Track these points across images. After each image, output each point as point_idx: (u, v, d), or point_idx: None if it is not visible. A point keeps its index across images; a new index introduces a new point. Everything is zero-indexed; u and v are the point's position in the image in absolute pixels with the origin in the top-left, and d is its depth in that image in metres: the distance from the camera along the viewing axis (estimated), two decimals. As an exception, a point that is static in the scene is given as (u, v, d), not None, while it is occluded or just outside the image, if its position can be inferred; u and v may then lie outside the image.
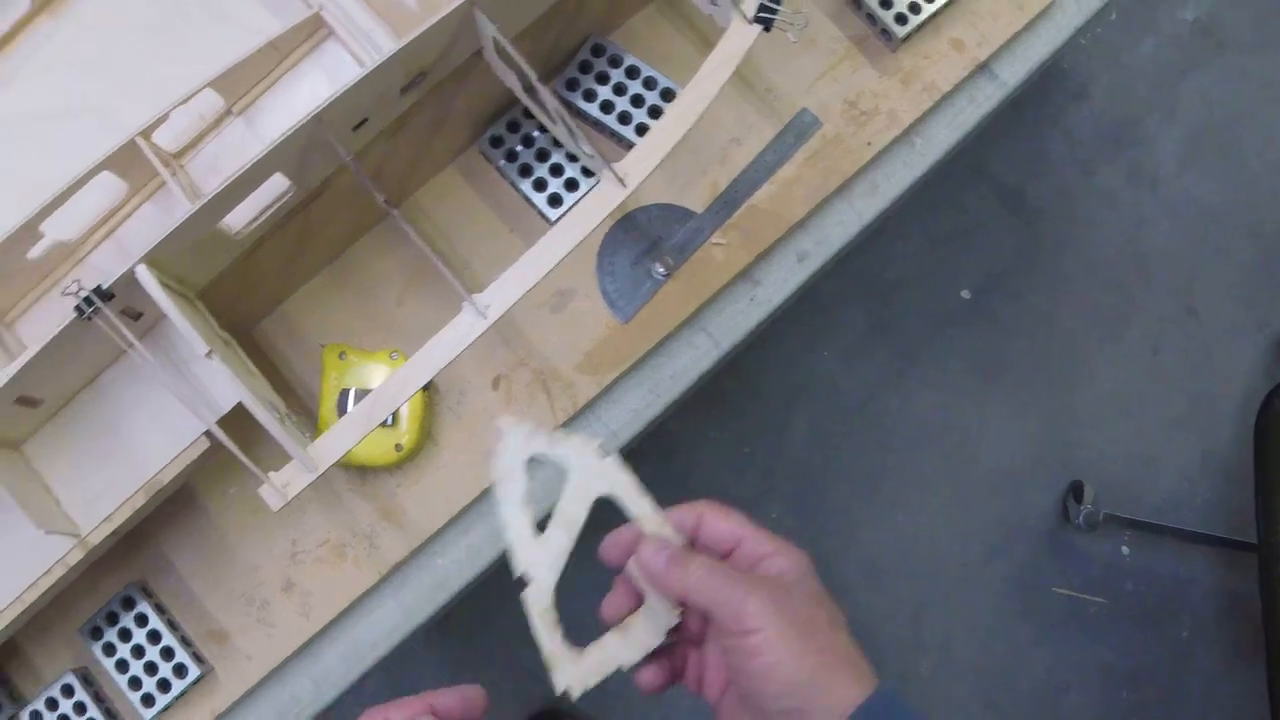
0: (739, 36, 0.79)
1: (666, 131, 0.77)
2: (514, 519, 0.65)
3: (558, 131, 0.85)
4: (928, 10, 0.99)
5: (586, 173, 0.95)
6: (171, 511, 0.91)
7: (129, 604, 0.91)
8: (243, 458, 0.71)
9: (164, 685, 0.90)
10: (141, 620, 0.91)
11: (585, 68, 0.96)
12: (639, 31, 1.00)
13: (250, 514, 0.93)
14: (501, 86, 0.86)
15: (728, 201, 0.96)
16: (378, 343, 0.93)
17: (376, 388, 0.74)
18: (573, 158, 0.95)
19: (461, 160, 0.97)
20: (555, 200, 0.94)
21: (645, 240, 0.95)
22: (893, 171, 1.02)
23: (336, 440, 0.73)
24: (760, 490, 1.98)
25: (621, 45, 0.96)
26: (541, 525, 0.65)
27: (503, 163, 0.95)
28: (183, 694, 0.90)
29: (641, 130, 0.96)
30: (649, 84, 0.96)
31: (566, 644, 0.63)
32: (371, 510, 0.93)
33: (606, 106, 0.95)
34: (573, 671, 0.64)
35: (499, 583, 0.85)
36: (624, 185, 0.76)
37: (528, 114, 0.95)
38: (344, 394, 0.90)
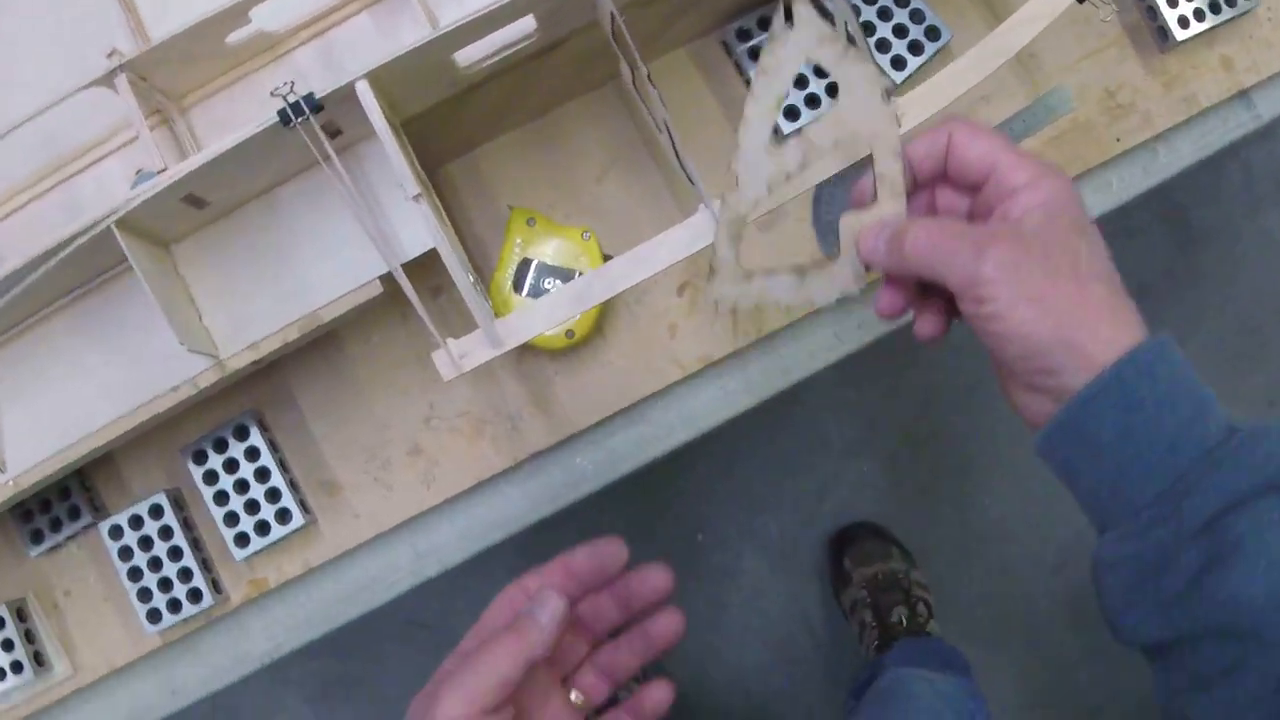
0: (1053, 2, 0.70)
1: (949, 82, 0.68)
2: (757, 118, 0.59)
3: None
4: (1212, 20, 0.92)
5: (830, 91, 0.86)
6: (306, 345, 0.84)
7: (242, 433, 0.85)
8: (425, 314, 0.64)
9: (263, 528, 0.84)
10: (252, 454, 0.85)
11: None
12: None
13: (391, 366, 0.87)
14: None
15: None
16: (567, 216, 0.86)
17: (590, 273, 0.66)
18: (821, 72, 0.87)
19: (697, 45, 0.88)
20: (792, 113, 0.86)
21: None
22: (1130, 175, 0.94)
23: (531, 319, 0.66)
24: (859, 440, 1.92)
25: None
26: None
27: (745, 59, 0.86)
28: (281, 540, 0.84)
29: (898, 63, 0.88)
30: (916, 16, 0.87)
31: (740, 265, 0.61)
32: (522, 393, 0.86)
33: (866, 28, 0.86)
34: (731, 288, 0.61)
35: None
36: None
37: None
38: (525, 264, 0.82)
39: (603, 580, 0.64)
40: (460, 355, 0.65)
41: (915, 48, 0.87)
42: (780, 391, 0.88)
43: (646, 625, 0.65)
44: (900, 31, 0.87)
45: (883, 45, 0.87)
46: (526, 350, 0.86)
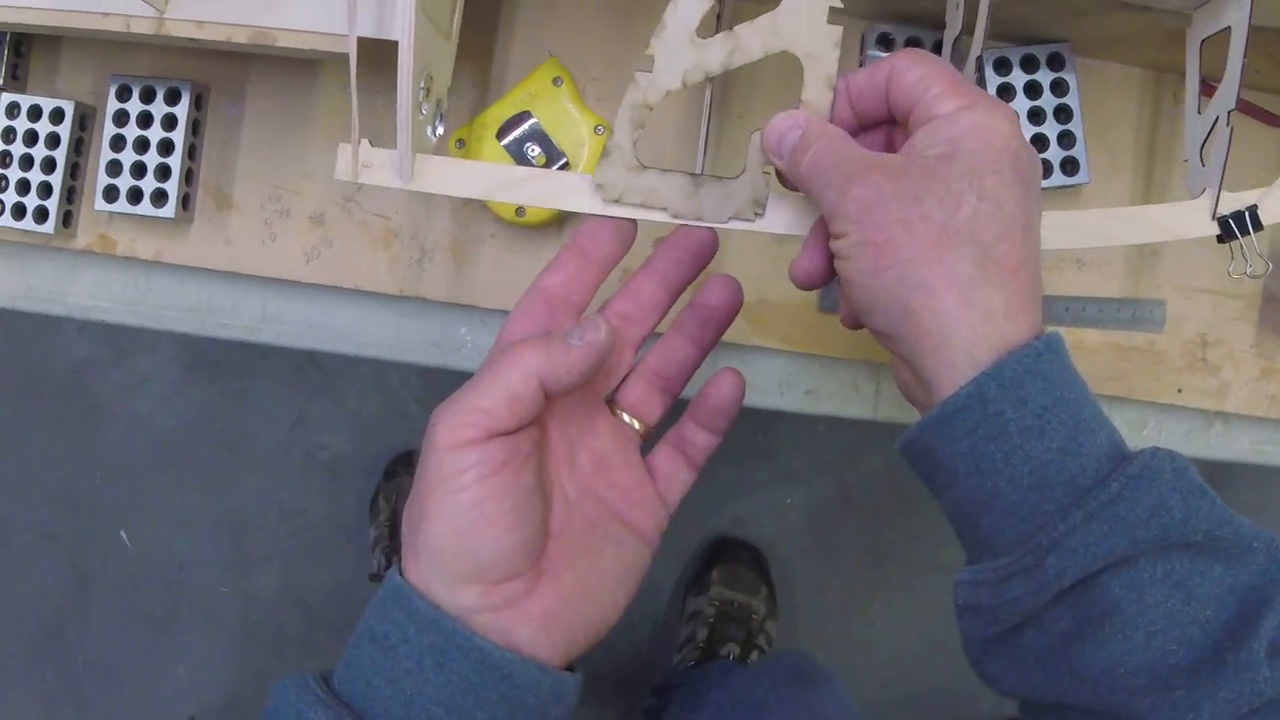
0: (1188, 219, 0.59)
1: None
2: (687, 5, 0.52)
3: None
4: None
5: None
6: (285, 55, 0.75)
7: (173, 97, 0.76)
8: (355, 104, 0.57)
9: (135, 195, 0.76)
10: (170, 122, 0.76)
11: (1028, 64, 0.74)
12: (1108, 74, 0.78)
13: (348, 127, 0.78)
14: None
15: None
16: (600, 100, 0.76)
17: (542, 172, 0.58)
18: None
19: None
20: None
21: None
22: (1170, 428, 0.83)
23: (446, 176, 0.58)
24: (799, 471, 1.83)
25: (1081, 78, 0.75)
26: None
27: (870, 58, 0.74)
28: (145, 217, 0.77)
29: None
30: (1064, 139, 0.74)
31: (635, 154, 0.55)
32: (450, 234, 0.77)
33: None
34: (618, 177, 0.55)
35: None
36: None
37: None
38: (522, 116, 0.72)
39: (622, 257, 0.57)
40: (364, 163, 0.58)
41: (1044, 168, 0.74)
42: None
43: (695, 300, 0.57)
44: (1039, 143, 0.74)
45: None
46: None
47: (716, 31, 0.53)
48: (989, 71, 0.73)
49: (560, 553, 0.51)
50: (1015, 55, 0.74)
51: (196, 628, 1.86)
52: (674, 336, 0.57)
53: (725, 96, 0.76)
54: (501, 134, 0.72)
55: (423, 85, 0.59)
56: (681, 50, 0.53)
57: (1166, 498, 0.44)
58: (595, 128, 0.72)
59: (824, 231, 0.51)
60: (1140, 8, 0.65)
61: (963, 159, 0.46)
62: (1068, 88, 0.74)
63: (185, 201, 0.77)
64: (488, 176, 0.57)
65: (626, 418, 0.57)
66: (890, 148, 0.53)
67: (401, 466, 1.75)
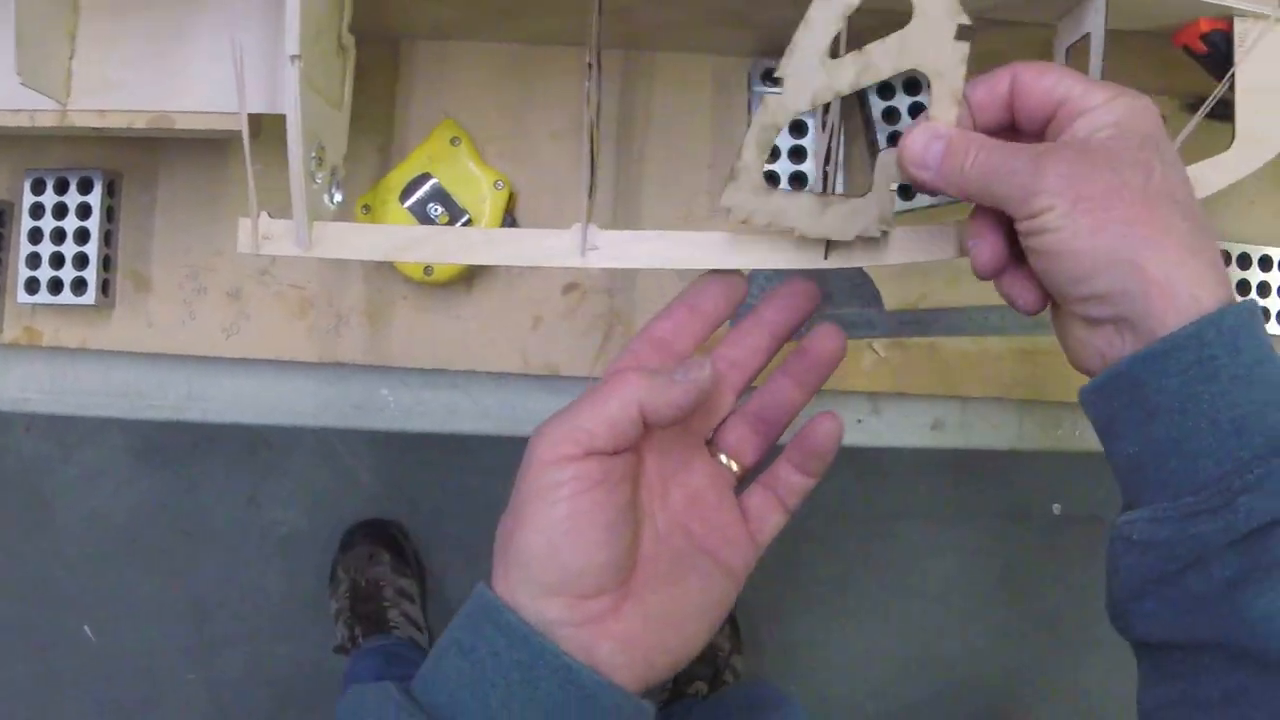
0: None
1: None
2: (821, 22, 0.52)
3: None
4: None
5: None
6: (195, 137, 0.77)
7: (86, 186, 0.78)
8: (252, 178, 0.58)
9: (55, 286, 0.77)
10: (84, 211, 0.77)
11: (910, 87, 0.77)
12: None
13: (264, 193, 0.79)
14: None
15: (919, 322, 0.78)
16: (500, 155, 0.78)
17: (434, 229, 0.59)
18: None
19: (729, 62, 0.79)
20: (771, 178, 0.76)
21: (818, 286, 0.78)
22: (1085, 426, 0.85)
23: (346, 243, 0.60)
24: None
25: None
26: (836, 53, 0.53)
27: (759, 94, 0.76)
28: (67, 306, 0.78)
29: (903, 192, 0.77)
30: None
31: (762, 173, 0.55)
32: (364, 298, 0.79)
33: (890, 115, 0.77)
34: (748, 198, 0.55)
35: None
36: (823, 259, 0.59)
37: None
38: (423, 178, 0.74)
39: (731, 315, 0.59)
40: (265, 235, 0.59)
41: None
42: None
43: (804, 345, 0.58)
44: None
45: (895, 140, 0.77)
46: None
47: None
48: (872, 97, 0.76)
49: (647, 578, 0.52)
50: (898, 79, 0.76)
51: (168, 716, 1.85)
52: (780, 379, 0.59)
53: (621, 137, 0.78)
54: (404, 196, 0.74)
55: (314, 155, 0.61)
56: (812, 71, 0.53)
57: None
58: (495, 183, 0.74)
59: (991, 222, 0.54)
60: (1008, 23, 0.68)
61: (1135, 135, 0.49)
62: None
63: (105, 287, 0.78)
64: (383, 239, 0.59)
65: (724, 458, 0.58)
66: None
67: (358, 537, 1.76)
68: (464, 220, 0.74)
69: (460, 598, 1.82)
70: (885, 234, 0.57)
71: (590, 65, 0.57)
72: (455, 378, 0.80)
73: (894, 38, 0.53)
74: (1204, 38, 0.62)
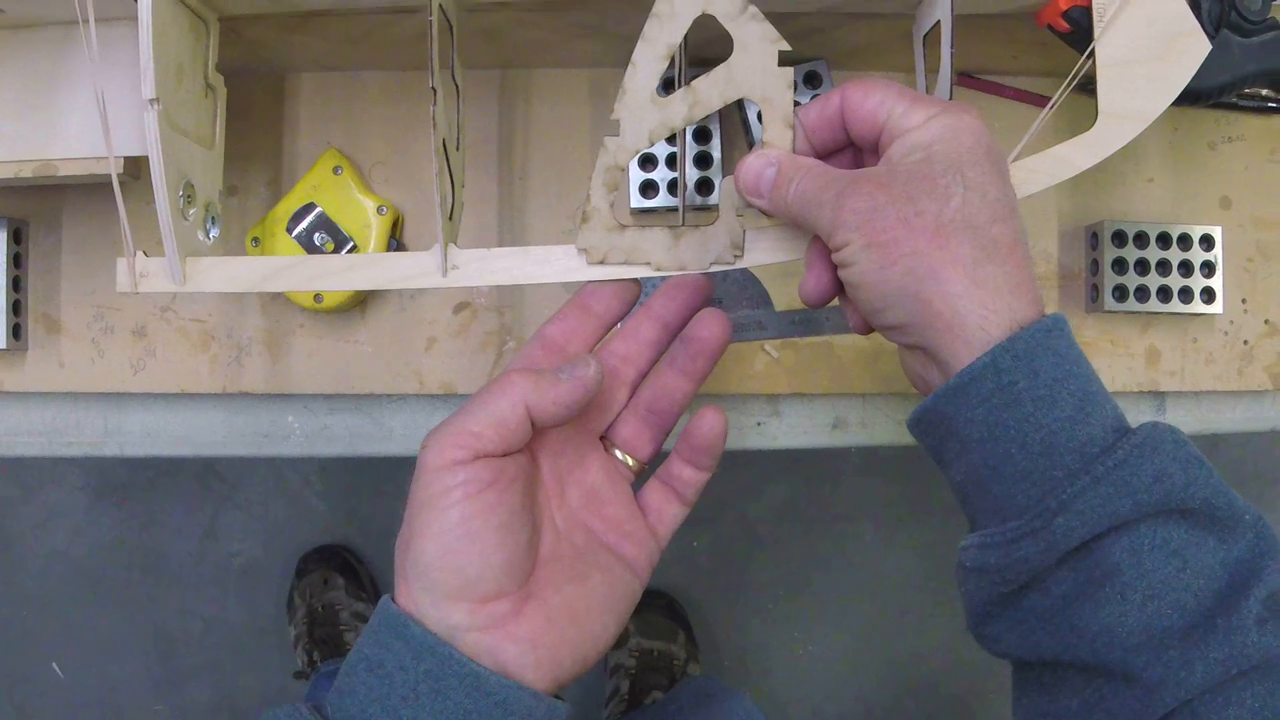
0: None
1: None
2: (645, 64, 0.55)
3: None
4: (1156, 306, 0.81)
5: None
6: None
7: (12, 235, 0.79)
8: (125, 218, 0.60)
9: (-31, 331, 0.79)
10: (8, 257, 0.79)
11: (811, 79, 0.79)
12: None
13: (152, 230, 0.81)
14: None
15: (810, 321, 0.80)
16: (386, 182, 0.79)
17: (298, 259, 0.61)
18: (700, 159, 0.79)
19: (604, 73, 0.81)
20: (648, 188, 0.78)
21: (704, 289, 0.79)
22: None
23: (218, 276, 0.62)
24: (699, 515, 1.86)
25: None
26: (668, 89, 0.56)
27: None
28: (-22, 351, 0.80)
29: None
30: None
31: (613, 214, 0.57)
32: (262, 329, 0.81)
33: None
34: (599, 239, 0.58)
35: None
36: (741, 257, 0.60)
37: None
38: (308, 209, 0.76)
39: (625, 314, 0.60)
40: (141, 273, 0.61)
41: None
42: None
43: (686, 334, 0.60)
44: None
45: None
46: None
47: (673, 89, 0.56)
48: (748, 102, 0.77)
49: (548, 578, 0.52)
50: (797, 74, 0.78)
51: (138, 751, 1.88)
52: (665, 370, 0.60)
53: (502, 155, 0.80)
54: (291, 227, 0.75)
55: (182, 193, 0.62)
56: (645, 111, 0.55)
57: (1167, 465, 0.47)
58: (378, 208, 0.76)
59: (821, 250, 0.54)
60: (868, 15, 0.69)
61: (942, 158, 0.50)
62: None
63: (16, 331, 0.80)
64: (248, 270, 0.61)
65: (619, 454, 0.60)
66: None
67: (311, 563, 1.77)
68: (349, 246, 0.75)
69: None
70: (738, 258, 0.58)
71: (434, 90, 0.58)
72: (358, 401, 0.82)
73: (719, 70, 0.55)
74: (1065, 15, 0.62)
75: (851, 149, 0.57)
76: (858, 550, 1.90)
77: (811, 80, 0.78)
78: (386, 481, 1.84)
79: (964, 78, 0.81)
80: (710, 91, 0.55)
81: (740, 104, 0.78)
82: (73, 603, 1.85)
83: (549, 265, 0.60)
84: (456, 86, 0.66)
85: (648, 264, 0.58)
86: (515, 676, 0.49)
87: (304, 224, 0.76)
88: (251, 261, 0.61)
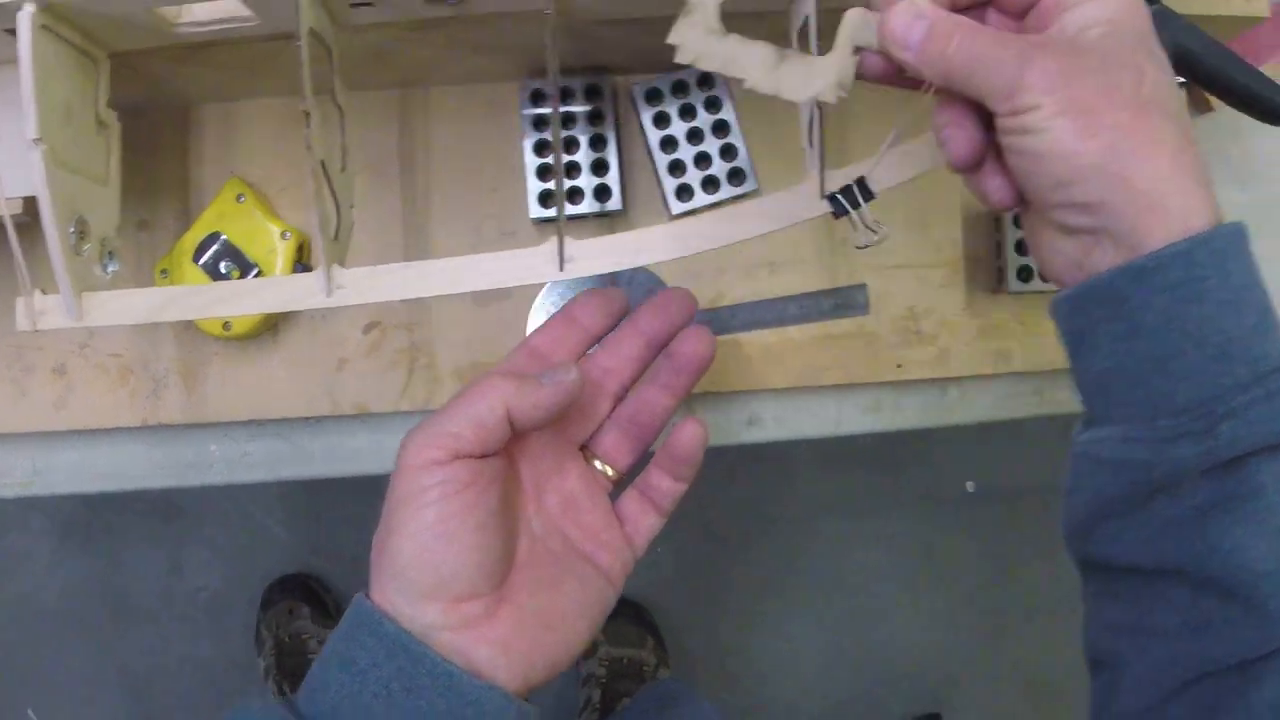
0: (804, 202, 0.61)
1: (655, 244, 0.61)
2: None
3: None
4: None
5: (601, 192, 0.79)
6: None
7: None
8: (20, 256, 0.61)
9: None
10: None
11: (678, 89, 0.79)
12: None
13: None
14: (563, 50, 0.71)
15: (718, 320, 0.81)
16: (293, 205, 0.80)
17: (193, 288, 0.61)
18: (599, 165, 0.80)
19: (501, 89, 0.81)
20: (544, 198, 0.79)
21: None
22: (904, 404, 0.87)
23: (113, 309, 0.62)
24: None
25: (734, 91, 0.80)
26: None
27: (527, 124, 0.79)
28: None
29: (683, 193, 0.80)
30: (727, 152, 0.80)
31: (718, 13, 0.52)
32: (177, 359, 0.81)
33: (668, 144, 0.79)
34: (696, 38, 0.52)
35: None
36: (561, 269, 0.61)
37: (590, 92, 0.79)
38: (213, 238, 0.77)
39: (611, 327, 0.60)
40: (40, 311, 0.62)
41: (710, 184, 0.80)
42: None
43: (671, 349, 0.60)
44: (702, 161, 0.79)
45: (675, 168, 0.80)
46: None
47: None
48: (640, 103, 0.79)
49: (523, 582, 0.53)
50: (665, 83, 0.79)
51: (117, 789, 1.88)
52: (648, 386, 0.60)
53: (404, 173, 0.81)
54: (197, 256, 0.76)
55: (74, 230, 0.63)
56: None
57: None
58: (282, 234, 0.77)
59: (969, 111, 0.50)
60: (754, 14, 0.70)
61: (1128, 36, 0.47)
62: (721, 104, 0.79)
63: (-66, 376, 0.81)
64: (141, 302, 0.61)
65: (598, 464, 0.60)
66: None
67: (275, 594, 1.78)
68: (254, 272, 0.76)
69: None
70: (841, 99, 0.53)
71: (306, 114, 0.59)
72: (277, 426, 0.83)
73: None
74: None
75: (982, 11, 0.53)
76: (820, 545, 1.90)
77: (705, 83, 0.79)
78: (348, 506, 1.84)
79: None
80: None
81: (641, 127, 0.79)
82: (44, 646, 1.85)
83: (429, 280, 0.60)
84: (339, 108, 0.67)
85: (743, 78, 0.52)
86: (487, 678, 0.49)
87: (209, 253, 0.76)
88: (144, 293, 0.62)
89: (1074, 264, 0.50)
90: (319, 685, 0.49)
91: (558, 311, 0.60)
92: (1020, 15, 0.51)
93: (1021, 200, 0.51)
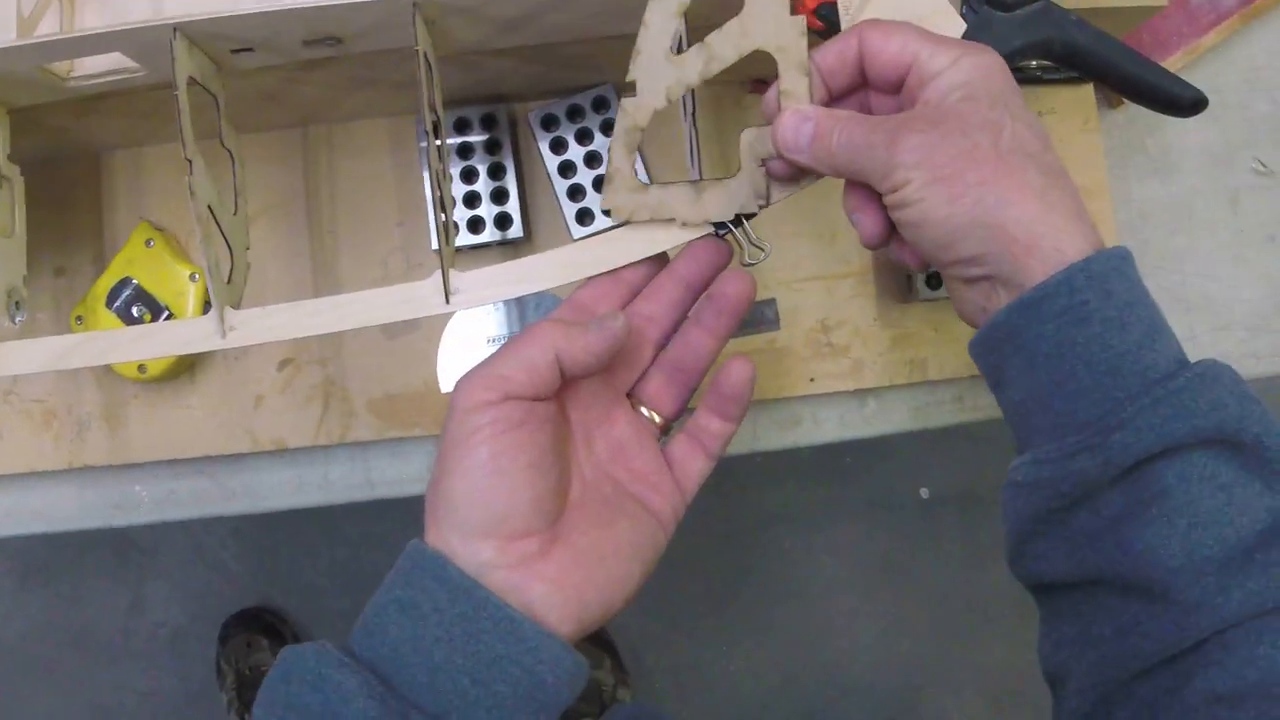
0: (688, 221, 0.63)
1: (543, 271, 0.62)
2: (658, 23, 0.55)
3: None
4: None
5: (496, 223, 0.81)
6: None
7: None
8: None
9: None
10: None
11: (574, 114, 0.81)
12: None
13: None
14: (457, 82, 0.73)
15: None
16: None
17: (84, 336, 0.62)
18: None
19: (398, 121, 0.83)
20: (475, 224, 0.81)
21: (521, 324, 0.81)
22: (823, 417, 0.87)
23: (18, 358, 0.63)
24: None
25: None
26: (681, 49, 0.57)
27: (422, 156, 0.81)
28: None
29: (584, 217, 0.81)
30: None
31: (634, 173, 0.58)
32: (99, 402, 0.83)
33: (566, 169, 0.81)
34: (626, 198, 0.58)
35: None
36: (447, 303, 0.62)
37: (486, 121, 0.81)
38: (125, 283, 0.78)
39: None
40: (-57, 359, 0.63)
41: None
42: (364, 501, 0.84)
43: (711, 291, 0.60)
44: (600, 184, 0.80)
45: (575, 193, 0.82)
46: (113, 364, 0.82)
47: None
48: (536, 129, 0.81)
49: (575, 521, 0.54)
50: (560, 108, 0.81)
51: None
52: (691, 328, 0.60)
53: (311, 211, 0.83)
54: (110, 302, 0.78)
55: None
56: (660, 70, 0.56)
57: (1224, 397, 0.48)
58: (191, 276, 0.78)
59: (867, 196, 0.55)
60: (628, 36, 0.71)
61: (984, 93, 0.51)
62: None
63: None
64: (39, 351, 0.62)
65: (645, 410, 0.60)
66: (868, 111, 0.57)
67: (233, 629, 1.79)
68: (165, 315, 0.78)
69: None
70: (762, 206, 0.58)
71: (188, 160, 0.61)
72: (199, 464, 0.84)
73: (732, 24, 0.55)
74: (816, 13, 0.63)
75: (863, 92, 0.57)
76: (776, 557, 1.91)
77: (600, 106, 0.80)
78: (305, 538, 1.86)
79: (757, 84, 0.84)
80: (724, 46, 0.56)
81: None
82: (8, 687, 1.86)
83: (321, 317, 0.61)
84: (230, 152, 0.68)
85: (673, 219, 0.58)
86: (540, 616, 0.49)
87: (121, 298, 0.78)
88: (46, 341, 0.63)
89: (979, 309, 0.53)
90: (376, 629, 0.50)
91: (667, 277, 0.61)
92: (895, 91, 0.55)
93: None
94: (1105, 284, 0.48)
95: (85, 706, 1.86)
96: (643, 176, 0.59)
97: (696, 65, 0.56)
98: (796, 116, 0.54)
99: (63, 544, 1.83)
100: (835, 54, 0.54)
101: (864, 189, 0.55)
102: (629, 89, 0.56)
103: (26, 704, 1.86)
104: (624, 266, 0.59)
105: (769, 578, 1.90)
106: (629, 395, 0.61)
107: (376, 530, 1.79)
